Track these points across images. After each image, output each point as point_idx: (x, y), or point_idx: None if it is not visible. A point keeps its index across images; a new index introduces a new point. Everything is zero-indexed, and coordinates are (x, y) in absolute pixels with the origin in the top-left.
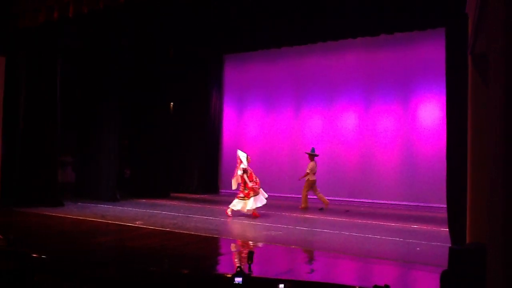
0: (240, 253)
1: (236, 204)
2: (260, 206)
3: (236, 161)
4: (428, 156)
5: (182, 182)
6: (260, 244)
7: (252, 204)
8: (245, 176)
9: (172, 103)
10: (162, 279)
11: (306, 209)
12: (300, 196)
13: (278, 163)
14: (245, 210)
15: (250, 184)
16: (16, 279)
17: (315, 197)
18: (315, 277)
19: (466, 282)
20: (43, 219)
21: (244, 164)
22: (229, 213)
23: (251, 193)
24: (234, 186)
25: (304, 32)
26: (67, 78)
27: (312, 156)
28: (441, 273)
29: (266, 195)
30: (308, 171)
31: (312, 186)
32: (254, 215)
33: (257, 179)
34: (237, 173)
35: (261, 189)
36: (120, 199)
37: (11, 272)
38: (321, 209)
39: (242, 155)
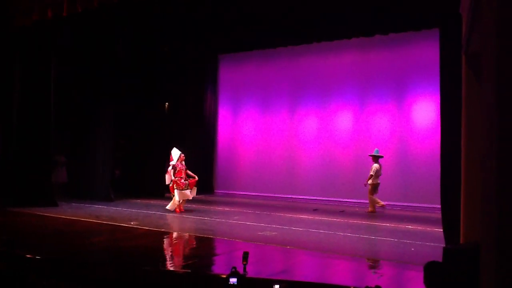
0: (235, 253)
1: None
2: (188, 199)
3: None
4: (423, 156)
5: None
6: (255, 245)
7: (176, 198)
8: (171, 171)
9: (167, 103)
10: (157, 279)
11: (373, 213)
12: (295, 196)
13: (273, 163)
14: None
15: (175, 178)
16: (10, 281)
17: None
18: (310, 278)
19: (460, 281)
20: (37, 219)
21: (174, 161)
22: (177, 209)
23: (174, 186)
24: (167, 181)
25: (299, 32)
26: (62, 78)
27: (376, 158)
28: (425, 265)
29: (192, 195)
30: (372, 173)
31: (376, 188)
32: (176, 211)
33: (188, 180)
34: (168, 169)
35: (189, 189)
36: (115, 199)
37: (4, 273)
38: (372, 212)
39: (174, 153)
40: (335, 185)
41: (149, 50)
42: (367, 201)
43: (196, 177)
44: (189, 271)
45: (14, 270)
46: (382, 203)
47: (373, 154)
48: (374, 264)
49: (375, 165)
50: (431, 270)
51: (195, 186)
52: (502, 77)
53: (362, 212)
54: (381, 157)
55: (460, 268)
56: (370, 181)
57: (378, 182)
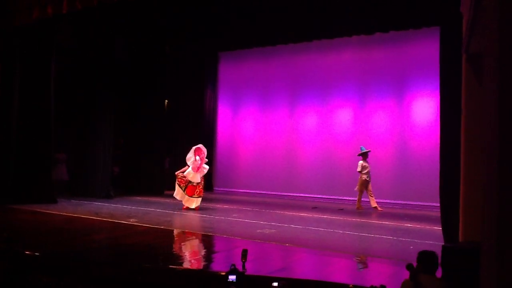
0: (234, 251)
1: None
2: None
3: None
4: (422, 154)
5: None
6: (254, 242)
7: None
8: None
9: (166, 100)
10: (156, 276)
11: (359, 210)
12: (294, 194)
13: (273, 161)
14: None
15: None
16: (10, 278)
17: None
18: (309, 275)
19: (459, 280)
20: (37, 216)
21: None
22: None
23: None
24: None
25: (300, 30)
26: (62, 75)
27: (361, 154)
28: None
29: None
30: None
31: (363, 185)
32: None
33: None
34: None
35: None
36: (114, 196)
37: (4, 270)
38: (360, 212)
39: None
40: (334, 183)
41: (149, 47)
42: (366, 199)
43: (200, 185)
44: (188, 268)
45: (14, 267)
46: (359, 204)
47: (361, 152)
48: (373, 262)
49: (360, 161)
50: (423, 258)
51: (193, 196)
52: (503, 78)
53: (361, 210)
54: (367, 151)
55: (460, 266)
56: (359, 177)
57: (364, 178)
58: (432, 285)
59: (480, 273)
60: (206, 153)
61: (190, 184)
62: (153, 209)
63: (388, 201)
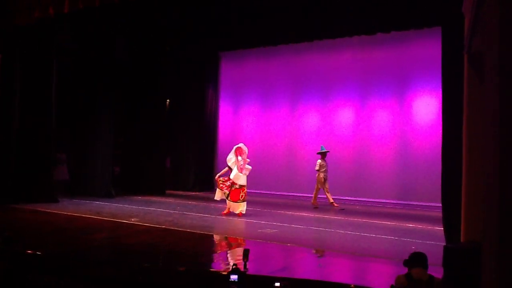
0: (235, 250)
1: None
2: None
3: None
4: (424, 154)
5: (178, 179)
6: (255, 242)
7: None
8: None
9: (168, 100)
10: (157, 276)
11: (314, 207)
12: (295, 194)
13: (274, 161)
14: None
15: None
16: (11, 277)
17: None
18: (311, 275)
19: (460, 280)
20: (38, 215)
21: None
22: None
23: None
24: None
25: (301, 30)
26: (62, 75)
27: (320, 153)
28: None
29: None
30: (317, 168)
31: (319, 182)
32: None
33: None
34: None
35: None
36: (115, 196)
37: (5, 269)
38: (315, 207)
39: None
40: (335, 182)
41: (150, 47)
42: (368, 199)
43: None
44: (190, 268)
45: (15, 266)
46: (332, 200)
47: (320, 151)
48: (374, 262)
49: (319, 161)
50: (414, 257)
51: (239, 201)
52: (504, 77)
53: (362, 210)
54: (324, 151)
55: (461, 267)
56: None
57: (321, 176)
58: (420, 276)
59: (481, 273)
60: (247, 152)
61: (234, 188)
62: (154, 209)
63: (389, 201)
